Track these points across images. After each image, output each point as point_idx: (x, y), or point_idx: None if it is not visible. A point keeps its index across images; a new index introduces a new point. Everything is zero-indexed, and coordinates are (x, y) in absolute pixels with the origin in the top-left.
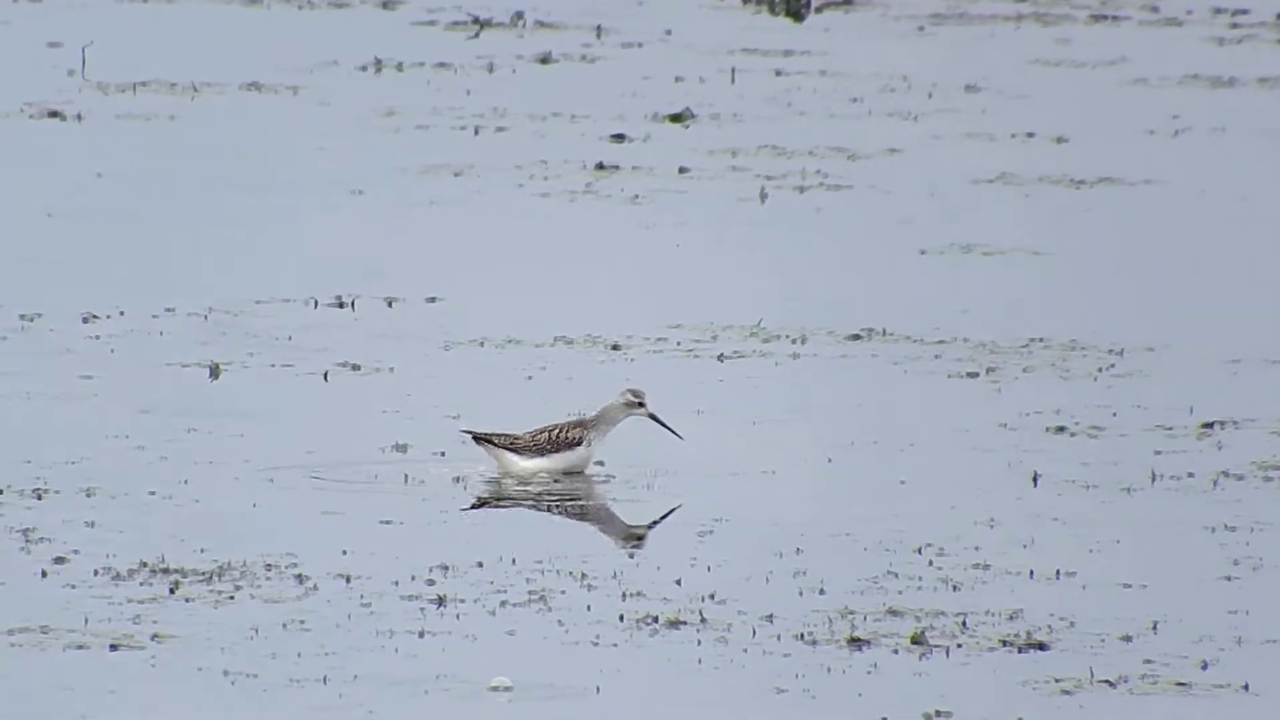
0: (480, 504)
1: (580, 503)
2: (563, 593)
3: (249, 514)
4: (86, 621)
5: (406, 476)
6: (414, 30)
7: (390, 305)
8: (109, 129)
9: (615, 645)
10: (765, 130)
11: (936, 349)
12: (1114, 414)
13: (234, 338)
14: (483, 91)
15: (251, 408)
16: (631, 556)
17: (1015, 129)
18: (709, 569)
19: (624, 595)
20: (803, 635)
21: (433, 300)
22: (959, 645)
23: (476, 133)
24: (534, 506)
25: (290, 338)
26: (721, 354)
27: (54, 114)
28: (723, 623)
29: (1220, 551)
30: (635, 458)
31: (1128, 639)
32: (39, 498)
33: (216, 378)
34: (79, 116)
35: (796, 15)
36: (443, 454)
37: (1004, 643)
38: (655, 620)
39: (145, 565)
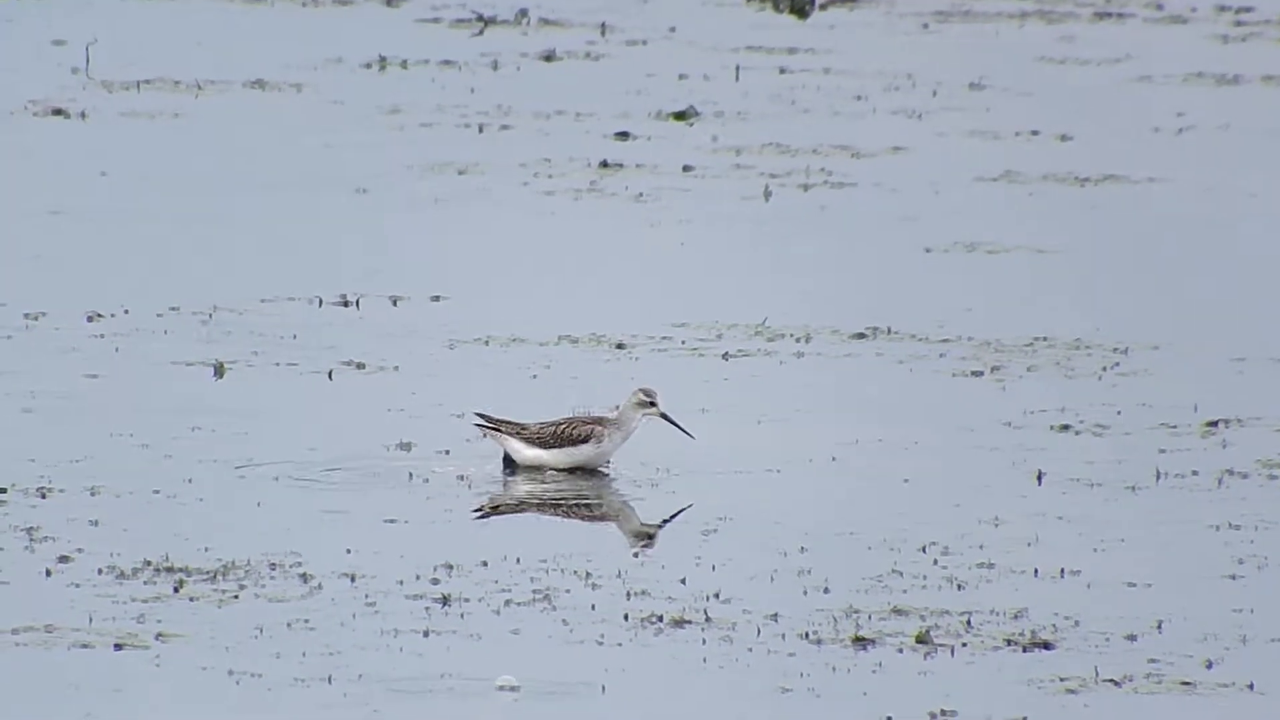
0: (493, 510)
1: (585, 502)
2: (567, 592)
3: (253, 513)
4: (91, 620)
5: (411, 475)
6: (418, 28)
7: (395, 304)
8: (113, 127)
9: (620, 644)
10: (769, 128)
11: (941, 347)
12: (1118, 412)
13: (238, 336)
14: (487, 89)
15: (256, 407)
16: (637, 555)
17: (1019, 127)
18: (714, 568)
19: (628, 594)
20: (807, 634)
21: (437, 299)
22: (964, 644)
23: (481, 130)
24: (538, 506)
25: (295, 336)
26: (726, 352)
27: (58, 112)
28: (727, 622)
29: (1225, 550)
30: (640, 457)
31: (1132, 638)
32: (43, 496)
33: (221, 376)
34: (83, 114)
35: (801, 13)
36: (447, 452)
37: (1009, 642)
38: (660, 619)
39: (149, 564)
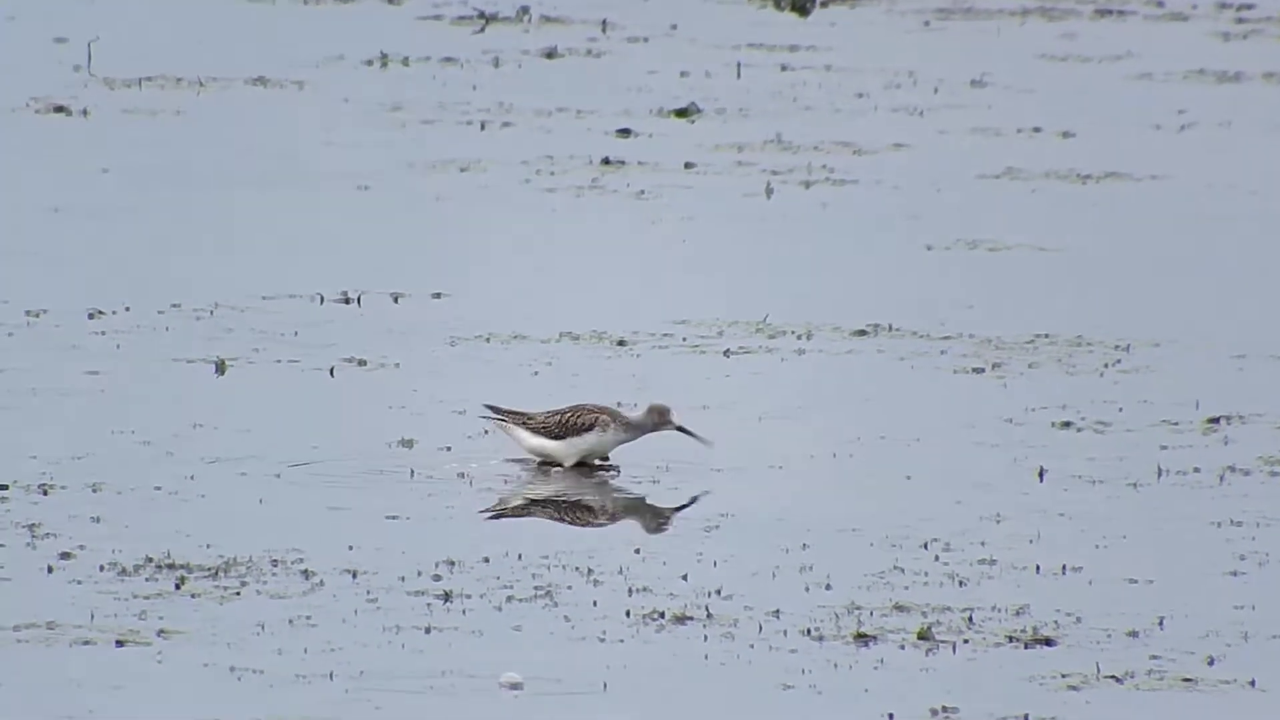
0: (504, 508)
1: (586, 498)
2: (569, 588)
3: (255, 509)
4: (93, 617)
5: (412, 471)
6: (419, 25)
7: (396, 300)
8: (115, 124)
9: (622, 641)
10: (771, 125)
11: (942, 344)
12: (1120, 409)
13: (240, 333)
14: (488, 86)
15: (257, 403)
16: (638, 552)
17: (1021, 124)
18: (715, 564)
19: (630, 591)
20: (809, 631)
21: (438, 295)
22: (965, 641)
23: (482, 128)
24: (540, 502)
25: (296, 333)
26: (727, 349)
27: (60, 109)
28: (729, 618)
29: (1226, 547)
30: (640, 454)
31: (1134, 634)
32: (45, 493)
33: (222, 373)
34: (85, 111)
35: (802, 10)
36: (449, 449)
37: (1010, 638)
38: (662, 616)
39: (151, 561)
